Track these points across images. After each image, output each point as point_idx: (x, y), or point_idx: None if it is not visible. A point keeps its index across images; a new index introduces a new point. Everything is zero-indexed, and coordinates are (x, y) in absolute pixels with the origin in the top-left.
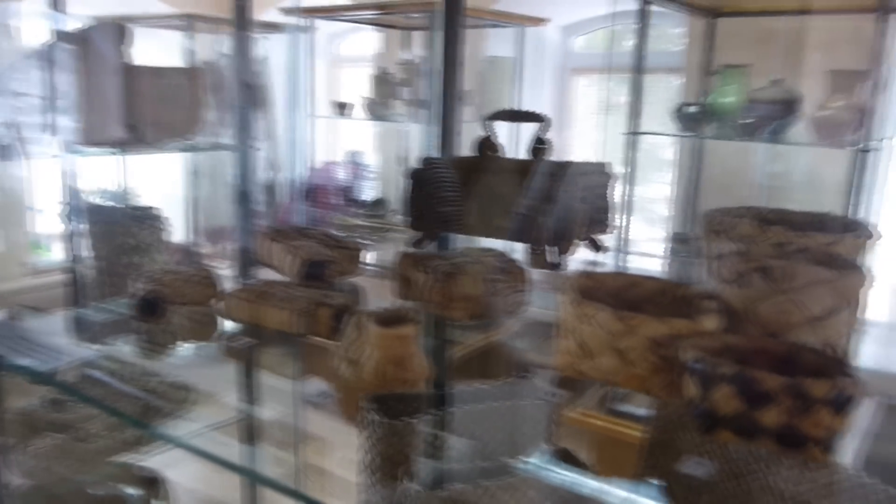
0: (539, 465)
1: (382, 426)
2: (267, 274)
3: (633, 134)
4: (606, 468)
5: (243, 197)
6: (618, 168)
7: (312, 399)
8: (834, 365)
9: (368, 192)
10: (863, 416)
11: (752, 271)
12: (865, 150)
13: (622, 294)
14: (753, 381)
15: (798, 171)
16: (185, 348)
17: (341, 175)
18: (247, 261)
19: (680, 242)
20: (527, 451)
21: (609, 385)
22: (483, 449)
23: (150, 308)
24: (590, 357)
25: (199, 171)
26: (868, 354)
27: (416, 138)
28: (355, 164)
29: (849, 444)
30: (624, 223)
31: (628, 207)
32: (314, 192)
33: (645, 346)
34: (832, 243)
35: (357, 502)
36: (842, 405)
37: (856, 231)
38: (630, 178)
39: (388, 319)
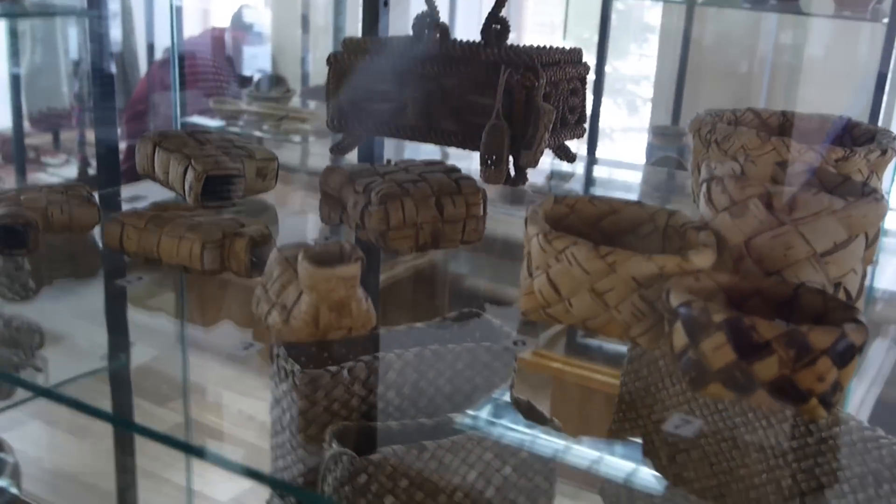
0: (493, 420)
1: (303, 378)
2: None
3: None
4: (572, 423)
5: (100, 76)
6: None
7: (235, 352)
8: (841, 309)
9: (258, 67)
10: (875, 357)
11: (750, 198)
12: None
13: (599, 224)
14: (747, 328)
15: (813, 51)
16: (55, 287)
17: (224, 44)
18: (110, 166)
19: (660, 137)
20: (478, 404)
21: (584, 331)
22: (426, 402)
23: (13, 238)
24: (562, 299)
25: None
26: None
27: None
28: (240, 29)
29: (858, 389)
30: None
31: (598, 91)
32: (186, 68)
33: (626, 287)
34: (842, 159)
35: (272, 470)
36: (847, 356)
37: (873, 143)
38: (602, 52)
39: (324, 256)
